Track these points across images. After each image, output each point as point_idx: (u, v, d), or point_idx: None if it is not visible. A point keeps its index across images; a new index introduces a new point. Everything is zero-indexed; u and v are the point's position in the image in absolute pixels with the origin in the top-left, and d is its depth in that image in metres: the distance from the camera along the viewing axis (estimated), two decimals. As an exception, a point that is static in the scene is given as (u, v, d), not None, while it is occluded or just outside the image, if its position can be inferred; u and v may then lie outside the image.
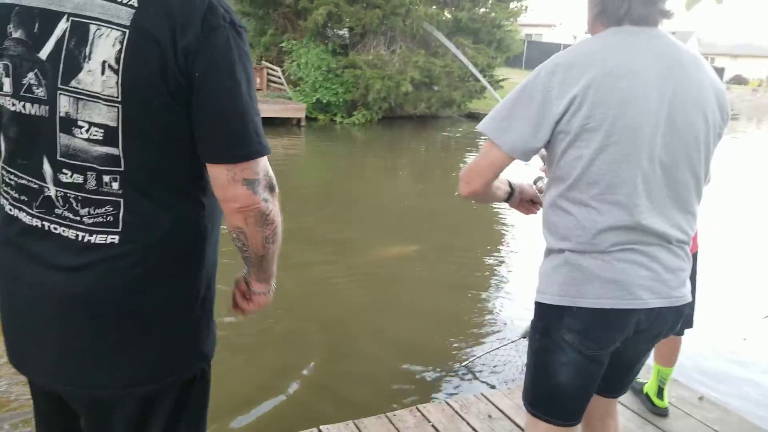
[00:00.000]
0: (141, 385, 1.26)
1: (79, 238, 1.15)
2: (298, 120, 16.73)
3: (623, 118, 1.44)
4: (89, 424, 1.34)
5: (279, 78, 18.77)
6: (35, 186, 1.16)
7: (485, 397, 3.06)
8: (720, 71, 36.60)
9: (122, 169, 1.12)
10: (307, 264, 5.79)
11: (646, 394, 3.09)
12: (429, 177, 11.73)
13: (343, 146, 15.18)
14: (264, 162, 1.17)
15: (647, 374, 3.26)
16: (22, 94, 1.11)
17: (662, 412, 3.02)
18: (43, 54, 1.09)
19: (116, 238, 1.14)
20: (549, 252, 1.64)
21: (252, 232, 1.21)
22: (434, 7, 19.04)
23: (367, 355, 4.18)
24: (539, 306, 1.65)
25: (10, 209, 1.21)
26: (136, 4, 1.07)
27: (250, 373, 3.76)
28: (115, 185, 1.13)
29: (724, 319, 5.00)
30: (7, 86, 1.12)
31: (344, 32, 19.39)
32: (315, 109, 17.84)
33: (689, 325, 2.96)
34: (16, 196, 1.19)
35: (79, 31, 1.07)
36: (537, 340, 1.67)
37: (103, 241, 1.14)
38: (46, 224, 1.16)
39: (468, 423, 2.82)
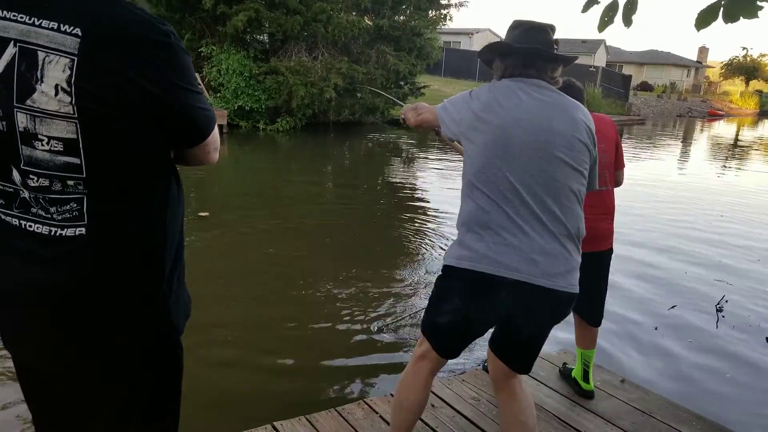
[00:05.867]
0: (118, 356, 1.39)
1: (53, 233, 1.26)
2: (220, 127, 16.42)
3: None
4: (83, 400, 1.47)
5: (198, 84, 18.34)
6: (11, 190, 1.26)
7: (427, 389, 3.18)
8: (628, 79, 38.72)
9: (84, 175, 1.24)
10: (244, 263, 5.81)
11: (574, 378, 3.33)
12: (355, 184, 11.82)
13: (268, 153, 15.06)
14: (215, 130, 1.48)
15: (574, 362, 3.51)
16: None
17: (588, 395, 3.26)
18: None
19: (83, 230, 1.27)
20: None
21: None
22: (355, 14, 19.16)
23: (313, 352, 4.24)
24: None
25: None
26: (80, 34, 1.17)
27: (199, 371, 3.71)
28: (80, 187, 1.24)
29: (638, 310, 5.39)
30: None
31: (264, 38, 19.21)
32: (237, 116, 17.58)
33: (597, 323, 3.22)
34: None
35: (28, 57, 1.17)
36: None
37: (73, 234, 1.26)
38: (23, 223, 1.27)
39: (413, 413, 2.94)
